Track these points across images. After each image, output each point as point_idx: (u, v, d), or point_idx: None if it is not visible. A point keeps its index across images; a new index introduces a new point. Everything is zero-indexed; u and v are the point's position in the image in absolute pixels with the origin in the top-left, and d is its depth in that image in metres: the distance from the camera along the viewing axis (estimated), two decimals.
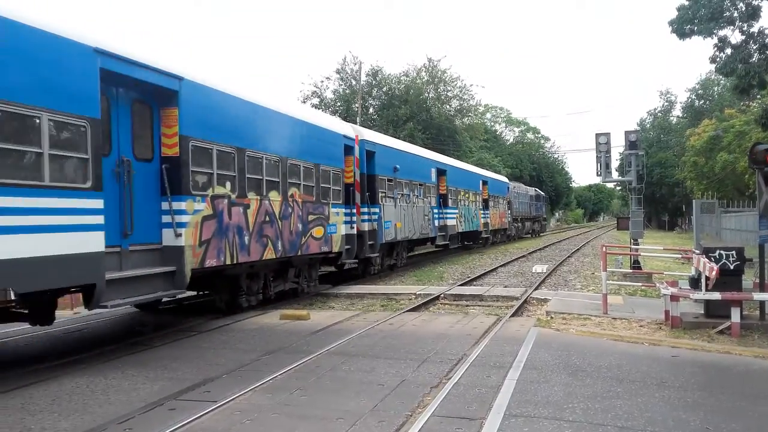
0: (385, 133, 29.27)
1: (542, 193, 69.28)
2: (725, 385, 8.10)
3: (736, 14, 21.33)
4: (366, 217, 19.70)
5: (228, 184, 12.48)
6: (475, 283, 20.16)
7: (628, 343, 10.54)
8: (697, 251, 12.58)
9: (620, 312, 13.25)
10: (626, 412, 6.77)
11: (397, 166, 22.68)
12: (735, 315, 10.94)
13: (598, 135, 20.77)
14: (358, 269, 21.08)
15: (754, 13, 21.13)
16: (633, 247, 20.08)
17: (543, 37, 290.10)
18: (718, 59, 22.13)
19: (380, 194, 20.95)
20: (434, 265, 26.40)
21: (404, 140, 32.01)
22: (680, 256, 15.48)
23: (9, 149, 7.85)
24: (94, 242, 9.04)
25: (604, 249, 14.37)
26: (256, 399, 7.34)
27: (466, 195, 33.78)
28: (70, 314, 14.53)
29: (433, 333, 11.32)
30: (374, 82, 53.68)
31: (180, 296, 12.37)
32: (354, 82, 51.67)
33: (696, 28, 21.57)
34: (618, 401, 7.16)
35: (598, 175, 21.26)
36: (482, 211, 37.58)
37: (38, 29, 8.32)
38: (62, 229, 8.54)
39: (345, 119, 28.40)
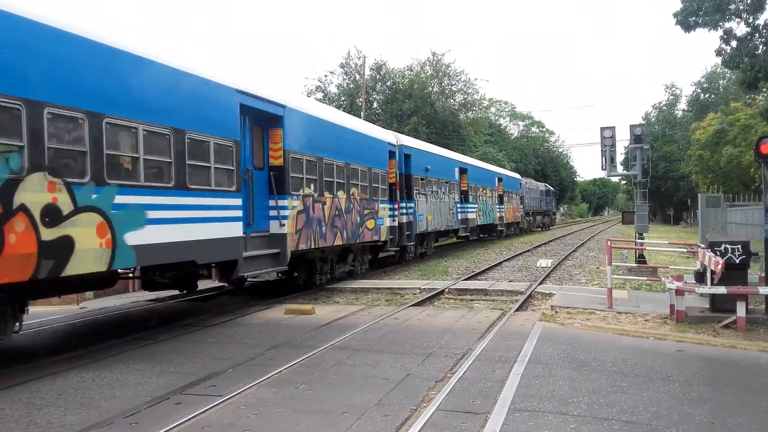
0: (389, 128, 29.82)
1: (551, 188, 72.12)
2: (731, 380, 8.09)
3: (741, 6, 21.22)
4: (404, 211, 22.92)
5: (312, 186, 15.82)
6: (479, 277, 20.16)
7: (633, 338, 10.52)
8: (703, 245, 12.56)
9: (625, 306, 13.23)
10: (631, 406, 6.77)
11: (428, 166, 25.78)
12: (740, 309, 10.91)
13: (603, 129, 20.69)
14: (395, 256, 23.64)
15: (759, 6, 21.02)
16: (638, 241, 20.05)
17: (547, 30, 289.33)
18: (723, 52, 22.04)
19: (415, 191, 23.92)
20: (456, 254, 26.62)
21: (408, 134, 32.37)
22: (685, 250, 15.48)
23: (196, 165, 11.29)
24: (238, 230, 12.59)
25: (609, 243, 14.35)
26: (262, 393, 7.36)
27: (484, 191, 36.65)
28: (76, 309, 14.60)
29: (438, 327, 11.33)
30: (378, 76, 53.62)
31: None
32: (358, 77, 51.62)
33: (701, 20, 21.46)
34: (623, 396, 7.15)
35: (603, 169, 21.19)
36: (498, 206, 40.49)
37: (208, 79, 11.79)
38: (221, 220, 12.05)
39: (349, 113, 28.72)
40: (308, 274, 16.58)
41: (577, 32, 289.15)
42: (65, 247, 8.62)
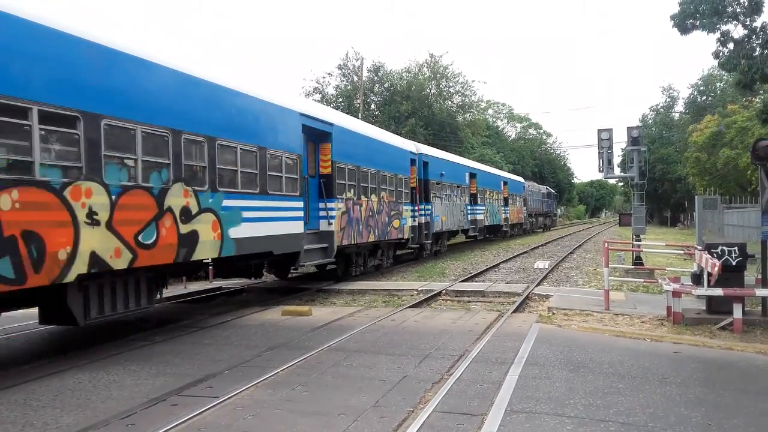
0: (387, 129, 30.37)
1: (552, 191, 75.46)
2: (727, 382, 8.10)
3: (738, 9, 21.25)
4: (423, 212, 25.56)
5: (352, 191, 18.61)
6: (477, 279, 20.17)
7: (630, 339, 10.53)
8: (699, 247, 12.58)
9: (622, 308, 13.25)
10: (628, 408, 6.78)
11: (443, 172, 28.49)
12: (737, 311, 10.92)
13: (600, 131, 20.74)
14: (413, 253, 26.70)
15: (756, 8, 21.06)
16: (635, 243, 20.08)
17: (545, 33, 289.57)
18: (720, 54, 22.08)
19: (432, 195, 26.50)
20: (454, 256, 26.83)
21: (405, 136, 32.66)
22: (682, 252, 15.51)
23: (273, 175, 14.20)
24: (300, 227, 15.55)
25: (606, 245, 14.36)
26: (258, 395, 7.35)
27: (491, 194, 39.47)
28: None
29: (435, 329, 11.33)
30: (376, 78, 53.66)
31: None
32: (356, 78, 51.64)
33: (698, 22, 21.49)
34: (620, 397, 7.16)
35: (600, 171, 21.24)
36: (503, 208, 43.38)
37: (282, 107, 14.75)
38: (289, 219, 15.01)
39: (347, 114, 29.08)
40: (346, 266, 19.40)
41: (575, 35, 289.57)
42: (194, 238, 11.42)
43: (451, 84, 56.79)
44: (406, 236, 23.39)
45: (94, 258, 9.17)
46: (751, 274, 12.45)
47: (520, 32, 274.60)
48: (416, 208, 24.78)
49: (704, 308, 12.03)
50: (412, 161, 24.71)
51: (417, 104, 51.65)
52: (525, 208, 52.64)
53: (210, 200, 11.87)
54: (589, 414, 6.56)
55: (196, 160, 11.57)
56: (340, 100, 51.69)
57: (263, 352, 9.69)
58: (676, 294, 11.69)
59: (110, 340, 10.65)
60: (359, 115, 43.46)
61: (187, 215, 11.23)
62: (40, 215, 8.39)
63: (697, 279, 11.80)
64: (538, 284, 17.88)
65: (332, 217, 17.13)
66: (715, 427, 6.23)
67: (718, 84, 74.11)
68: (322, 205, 17.10)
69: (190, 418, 6.49)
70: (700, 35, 27.45)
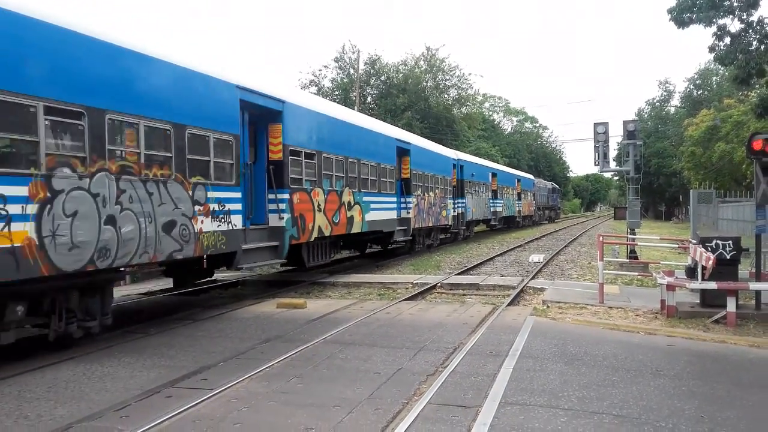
0: (384, 121, 30.85)
1: (557, 186, 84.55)
2: (720, 374, 8.13)
3: (735, 3, 21.24)
4: (459, 205, 32.51)
5: (419, 189, 25.57)
6: (472, 272, 20.19)
7: (624, 332, 10.57)
8: (694, 241, 12.60)
9: (616, 301, 13.28)
10: (621, 400, 6.80)
11: (474, 173, 35.81)
12: (731, 304, 10.97)
13: (596, 125, 20.74)
14: (451, 237, 32.80)
15: (753, 2, 21.05)
16: (630, 236, 20.11)
17: (542, 26, 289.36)
18: (717, 48, 22.07)
19: (466, 191, 33.57)
20: (449, 249, 26.74)
21: (402, 128, 32.92)
22: (677, 245, 15.52)
23: (383, 180, 21.34)
24: (394, 215, 22.88)
25: (600, 238, 14.39)
26: (253, 387, 7.35)
27: (507, 190, 46.34)
28: None
29: (430, 322, 11.34)
30: (372, 71, 53.57)
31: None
32: (352, 71, 51.54)
33: (695, 16, 21.48)
34: (613, 390, 7.18)
35: (596, 164, 21.24)
36: (517, 202, 50.04)
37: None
38: (389, 209, 22.11)
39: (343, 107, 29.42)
40: (412, 243, 25.62)
41: (572, 29, 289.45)
42: (352, 219, 18.70)
43: (447, 77, 56.79)
44: (450, 223, 30.65)
45: (319, 229, 16.42)
46: (745, 267, 12.51)
47: (518, 26, 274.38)
48: (455, 202, 31.83)
49: (698, 302, 12.08)
50: (453, 165, 31.84)
51: (413, 97, 51.60)
52: (534, 201, 59.39)
53: (359, 197, 19.14)
54: (583, 406, 6.58)
55: (353, 174, 18.80)
56: (336, 92, 51.61)
57: (258, 344, 9.69)
58: (670, 287, 11.72)
59: (104, 332, 10.63)
60: (355, 107, 43.38)
61: (349, 206, 18.52)
62: (304, 206, 15.64)
63: (691, 272, 11.84)
64: (532, 277, 17.91)
65: (410, 208, 23.95)
66: (708, 420, 6.26)
67: (714, 78, 74.14)
68: (402, 199, 23.85)
69: (184, 410, 6.49)
70: (696, 29, 27.43)
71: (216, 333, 10.63)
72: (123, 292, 16.36)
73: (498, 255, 26.21)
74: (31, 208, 8.13)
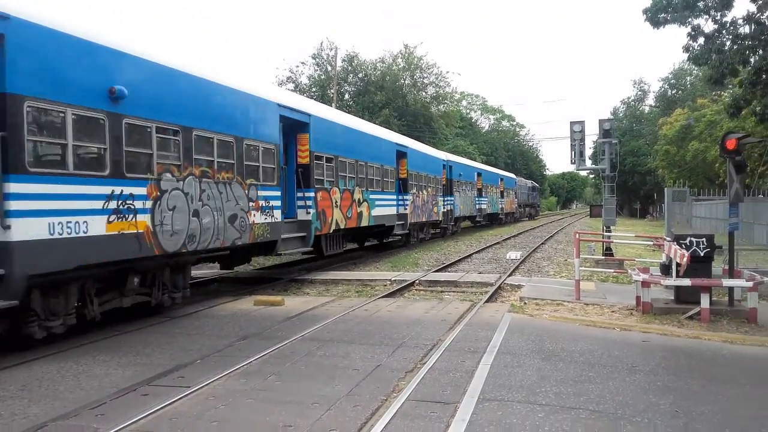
0: (362, 119, 31.17)
1: (537, 184, 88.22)
2: (694, 370, 8.24)
3: (710, 3, 21.51)
4: (449, 202, 35.29)
5: (415, 188, 28.34)
6: (449, 269, 20.25)
7: (600, 329, 10.67)
8: (668, 238, 12.75)
9: (592, 298, 13.40)
10: (598, 395, 6.86)
11: (461, 173, 38.53)
12: (704, 301, 11.11)
13: (572, 123, 20.88)
14: (439, 232, 35.12)
15: (727, 3, 21.34)
16: (605, 234, 20.30)
17: (519, 25, 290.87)
18: (691, 49, 22.34)
19: (454, 190, 36.26)
20: (428, 246, 26.64)
21: (380, 125, 33.03)
22: (651, 243, 15.69)
23: (384, 180, 23.80)
24: (394, 210, 25.28)
25: (576, 236, 14.50)
26: (231, 384, 7.30)
27: (491, 188, 49.34)
28: None
29: (408, 319, 11.35)
30: (350, 68, 53.44)
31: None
32: (330, 68, 51.38)
33: (670, 16, 21.72)
34: (590, 385, 7.25)
35: (572, 162, 21.38)
36: (500, 200, 53.23)
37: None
38: (389, 205, 24.64)
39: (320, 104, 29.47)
40: (408, 237, 28.45)
41: (548, 28, 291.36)
42: (362, 214, 21.23)
43: (425, 75, 56.83)
44: (440, 219, 33.37)
45: (336, 222, 18.90)
46: (718, 265, 12.67)
47: (495, 25, 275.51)
48: (445, 199, 34.30)
49: (672, 298, 12.22)
50: (443, 166, 34.30)
51: (391, 95, 51.58)
52: (516, 199, 62.87)
53: (366, 195, 21.63)
54: (560, 402, 6.63)
55: (362, 174, 21.39)
56: (314, 89, 51.40)
57: (235, 341, 9.63)
58: (645, 284, 11.85)
59: (79, 330, 10.48)
60: (333, 104, 43.26)
61: (359, 203, 21.00)
62: (325, 203, 18.22)
63: (665, 269, 11.98)
64: (510, 275, 18.01)
65: (407, 205, 26.61)
66: (684, 414, 6.34)
67: (688, 78, 75.08)
68: (401, 197, 26.13)
69: (161, 408, 6.42)
70: (671, 29, 27.76)
71: (193, 330, 10.54)
72: None
73: (476, 252, 26.32)
74: (149, 204, 10.75)
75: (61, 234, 8.95)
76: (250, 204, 14.02)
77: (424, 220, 29.79)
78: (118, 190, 10.05)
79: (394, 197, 25.15)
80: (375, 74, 53.51)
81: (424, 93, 57.20)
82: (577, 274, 13.59)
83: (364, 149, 21.62)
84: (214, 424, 6.02)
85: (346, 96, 53.69)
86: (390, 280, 16.76)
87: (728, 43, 21.74)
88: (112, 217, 9.94)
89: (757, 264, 15.23)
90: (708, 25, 21.98)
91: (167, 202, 11.17)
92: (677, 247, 11.29)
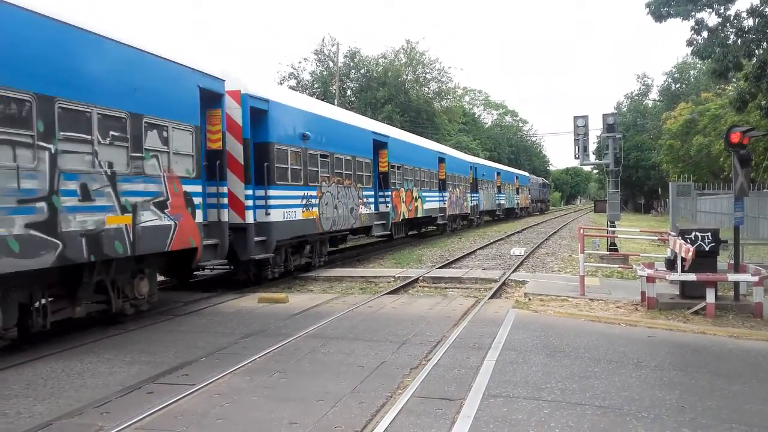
0: (364, 115, 31.54)
1: (547, 181, 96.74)
2: (700, 365, 8.22)
3: None
4: (475, 198, 41.61)
5: (451, 187, 34.93)
6: (454, 265, 20.21)
7: (605, 324, 10.64)
8: (673, 233, 12.71)
9: (597, 293, 13.37)
10: (604, 391, 6.84)
11: (484, 173, 44.66)
12: (710, 296, 11.08)
13: (576, 118, 20.80)
14: (466, 223, 41.16)
15: None
16: (610, 229, 20.25)
17: (522, 20, 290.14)
18: (695, 42, 22.20)
19: (479, 187, 42.64)
20: (431, 243, 26.68)
21: (383, 122, 33.07)
22: (656, 238, 15.65)
23: (427, 181, 31.02)
24: (437, 204, 32.77)
25: (581, 231, 14.46)
26: (235, 382, 7.30)
27: (508, 186, 55.70)
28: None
29: (413, 315, 11.34)
30: (352, 64, 53.42)
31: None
32: (332, 64, 51.33)
33: (673, 10, 21.55)
34: (596, 381, 7.22)
35: (576, 157, 21.31)
36: (515, 196, 59.60)
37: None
38: (434, 201, 32.23)
39: (323, 101, 29.72)
40: (444, 227, 34.28)
41: (552, 22, 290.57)
42: (417, 208, 28.15)
43: (427, 70, 56.81)
44: (469, 212, 39.74)
45: (402, 214, 25.89)
46: (724, 259, 12.63)
47: (497, 19, 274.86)
48: (472, 196, 40.70)
49: (678, 293, 12.19)
50: (470, 168, 40.55)
51: (393, 90, 51.57)
52: (530, 195, 69.53)
53: (419, 193, 27.89)
54: (566, 398, 6.61)
55: (418, 178, 28.18)
56: (316, 86, 51.40)
57: (240, 339, 9.62)
58: (650, 279, 11.82)
59: (83, 327, 10.50)
60: (335, 101, 43.27)
61: (416, 199, 27.50)
62: (396, 199, 24.97)
63: (671, 264, 11.94)
64: (514, 270, 17.98)
65: (445, 200, 32.90)
66: (690, 409, 6.31)
67: (692, 72, 74.84)
68: (442, 194, 32.56)
69: (166, 406, 6.42)
70: (674, 23, 27.62)
71: (197, 328, 10.54)
72: None
73: (480, 248, 26.29)
74: (316, 201, 17.46)
75: (286, 218, 15.75)
76: (359, 200, 20.84)
77: (457, 212, 36.54)
78: (306, 193, 16.75)
79: (438, 194, 32.07)
80: (377, 70, 53.47)
81: (426, 88, 57.19)
82: (581, 270, 13.56)
83: (419, 158, 29.00)
84: (219, 422, 6.02)
85: (349, 92, 53.68)
86: (394, 276, 16.75)
87: (732, 36, 21.59)
88: (304, 209, 16.72)
89: (763, 258, 15.18)
90: (711, 19, 21.83)
91: (324, 200, 17.93)
92: (682, 241, 11.25)
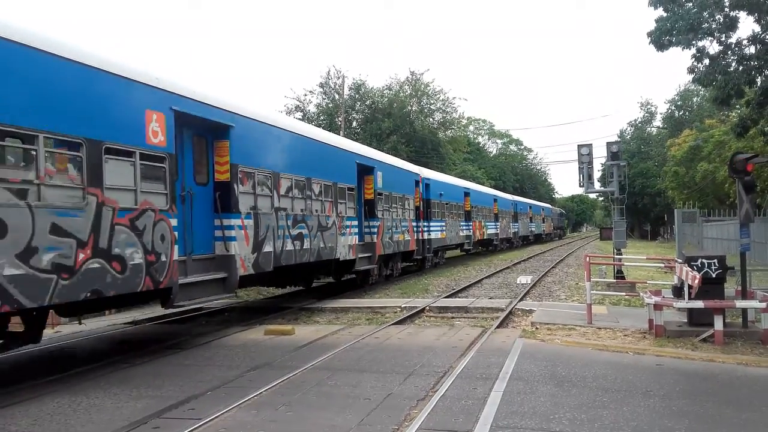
0: (369, 146, 31.53)
1: (563, 211, 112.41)
2: (709, 393, 8.15)
3: (714, 25, 21.60)
4: (493, 227, 46.32)
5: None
6: (460, 295, 20.14)
7: (613, 353, 10.58)
8: (680, 260, 12.68)
9: (605, 322, 13.30)
10: (612, 421, 6.79)
11: (503, 204, 50.24)
12: (718, 323, 11.01)
13: (580, 146, 20.90)
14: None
15: (731, 25, 21.41)
16: (616, 257, 20.19)
17: (525, 50, 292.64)
18: (696, 70, 22.38)
19: (499, 216, 47.96)
20: (438, 273, 26.53)
21: (387, 152, 33.11)
22: (663, 265, 15.58)
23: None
24: (450, 234, 35.92)
25: (587, 259, 14.44)
26: (242, 416, 7.27)
27: (529, 216, 64.18)
28: (50, 332, 14.34)
29: (419, 346, 11.30)
30: (357, 95, 53.81)
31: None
32: (337, 96, 51.76)
33: (674, 39, 21.78)
34: (604, 411, 7.17)
35: (580, 185, 21.37)
36: (542, 224, 72.92)
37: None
38: (438, 231, 32.57)
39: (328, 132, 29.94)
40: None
41: (554, 52, 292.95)
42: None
43: (432, 101, 57.13)
44: (464, 241, 38.45)
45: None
46: (731, 286, 12.57)
47: (500, 50, 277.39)
48: (495, 224, 46.32)
49: (685, 321, 12.12)
50: (494, 200, 46.42)
51: (398, 121, 51.86)
52: (552, 224, 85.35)
53: (425, 224, 28.70)
54: (574, 428, 6.56)
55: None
56: (322, 118, 51.74)
57: (246, 372, 9.60)
58: (657, 307, 11.77)
59: (90, 362, 10.49)
60: (341, 132, 43.55)
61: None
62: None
63: (677, 292, 11.89)
64: (521, 299, 17.91)
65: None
66: None
67: (694, 99, 75.13)
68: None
69: None
70: (676, 51, 27.83)
71: (203, 361, 10.52)
72: (107, 321, 16.20)
73: (486, 277, 26.21)
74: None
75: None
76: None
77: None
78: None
79: (463, 222, 36.71)
80: (382, 101, 53.84)
81: (431, 119, 57.49)
82: (588, 298, 13.51)
83: (450, 194, 34.11)
84: None
85: (354, 123, 54.02)
86: (400, 306, 16.70)
87: (734, 63, 21.78)
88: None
89: None
90: (713, 47, 22.04)
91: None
92: (689, 268, 11.22)
